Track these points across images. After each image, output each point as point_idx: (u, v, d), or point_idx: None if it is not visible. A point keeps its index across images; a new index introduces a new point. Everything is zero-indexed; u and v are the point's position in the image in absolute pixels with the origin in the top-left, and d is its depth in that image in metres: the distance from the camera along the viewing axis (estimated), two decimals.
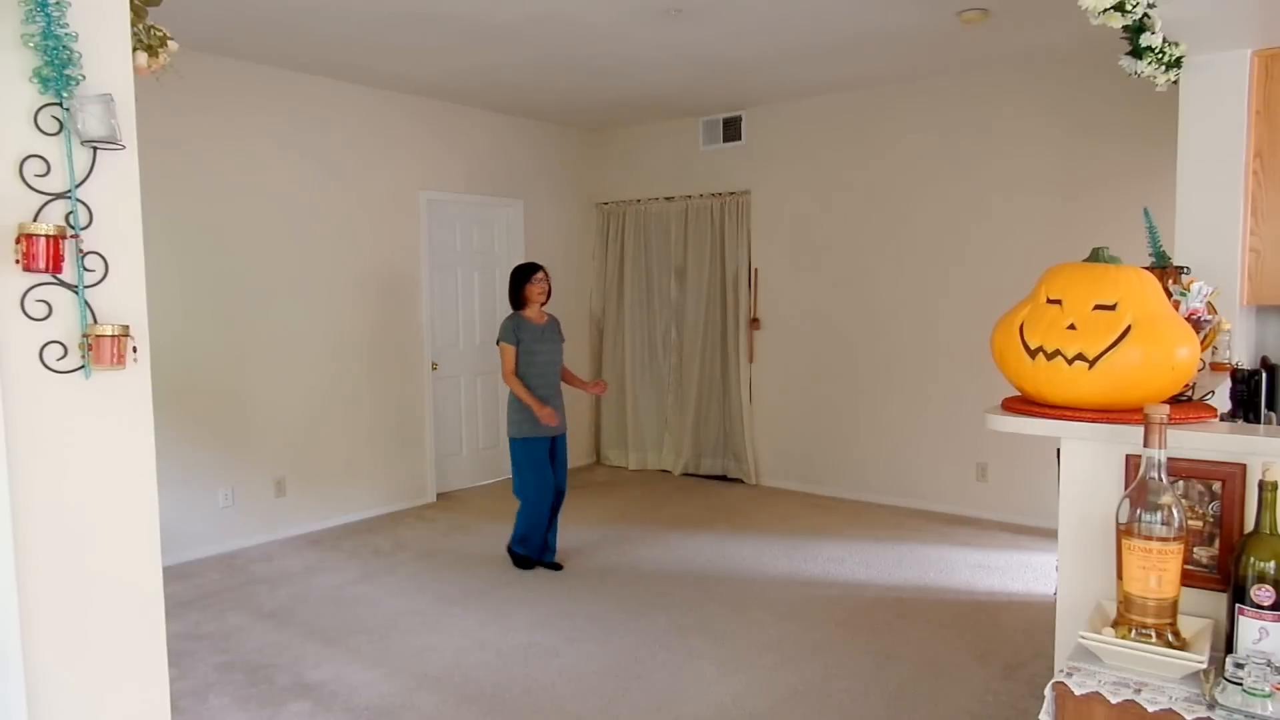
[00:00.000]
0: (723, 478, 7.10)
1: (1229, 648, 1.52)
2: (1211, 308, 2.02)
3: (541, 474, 4.76)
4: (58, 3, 1.57)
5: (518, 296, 4.83)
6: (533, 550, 4.88)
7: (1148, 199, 4.66)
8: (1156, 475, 1.51)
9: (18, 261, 1.56)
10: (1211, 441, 1.64)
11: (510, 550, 4.96)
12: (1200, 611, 1.64)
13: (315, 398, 5.73)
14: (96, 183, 1.68)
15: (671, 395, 7.31)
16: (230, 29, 4.66)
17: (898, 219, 6.10)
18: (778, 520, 5.88)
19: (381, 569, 4.93)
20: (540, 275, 4.84)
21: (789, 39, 4.94)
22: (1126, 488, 1.70)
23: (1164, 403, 1.62)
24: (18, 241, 1.56)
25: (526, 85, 5.94)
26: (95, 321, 1.67)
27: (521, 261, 5.06)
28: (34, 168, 1.60)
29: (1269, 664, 1.41)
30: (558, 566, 4.89)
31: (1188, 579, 1.63)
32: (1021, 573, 4.78)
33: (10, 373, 1.58)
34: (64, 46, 1.58)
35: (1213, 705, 1.39)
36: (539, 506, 4.77)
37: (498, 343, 4.79)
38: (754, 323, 6.83)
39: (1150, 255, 2.52)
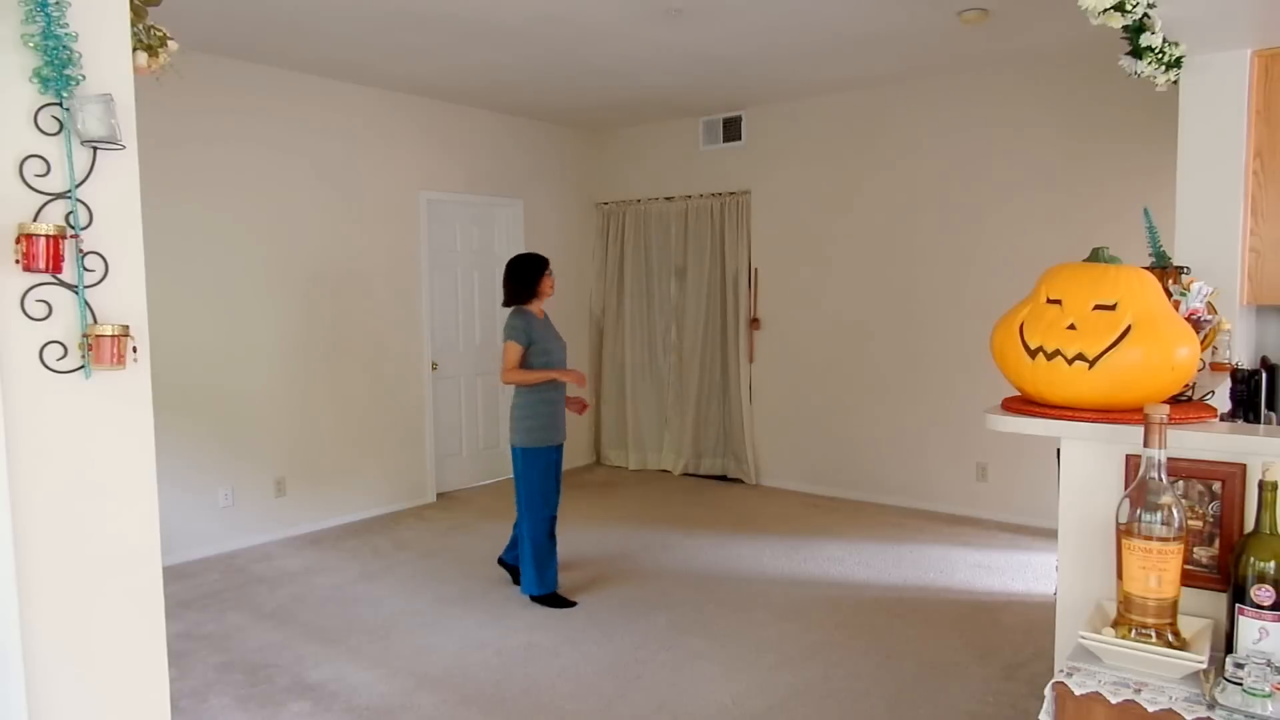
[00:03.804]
0: (723, 478, 7.09)
1: (1229, 648, 1.51)
2: (1211, 308, 2.02)
3: (550, 485, 4.32)
4: (58, 3, 1.57)
5: (531, 289, 4.32)
6: (553, 581, 4.35)
7: (1148, 199, 4.66)
8: (1156, 475, 1.51)
9: (18, 261, 1.56)
10: (1211, 441, 1.64)
11: (536, 597, 4.37)
12: (1200, 611, 1.64)
13: (315, 398, 5.73)
14: (96, 183, 1.68)
15: (671, 395, 7.31)
16: (230, 29, 4.66)
17: (898, 219, 6.10)
18: (778, 520, 5.88)
19: (381, 569, 4.93)
20: (550, 268, 4.42)
21: (789, 39, 4.94)
22: (1126, 488, 1.70)
23: (1164, 403, 1.62)
24: (18, 241, 1.56)
25: (526, 85, 5.94)
26: (95, 321, 1.67)
27: (525, 253, 4.49)
28: (34, 168, 1.60)
29: (1269, 664, 1.41)
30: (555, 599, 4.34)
31: (1188, 579, 1.63)
32: (1021, 573, 4.78)
33: (10, 373, 1.58)
34: (64, 46, 1.58)
35: (1213, 705, 1.39)
36: (547, 523, 4.32)
37: (505, 340, 4.25)
38: (754, 323, 6.83)
39: (1150, 255, 2.52)
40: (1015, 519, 5.71)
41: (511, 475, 4.50)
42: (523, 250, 6.89)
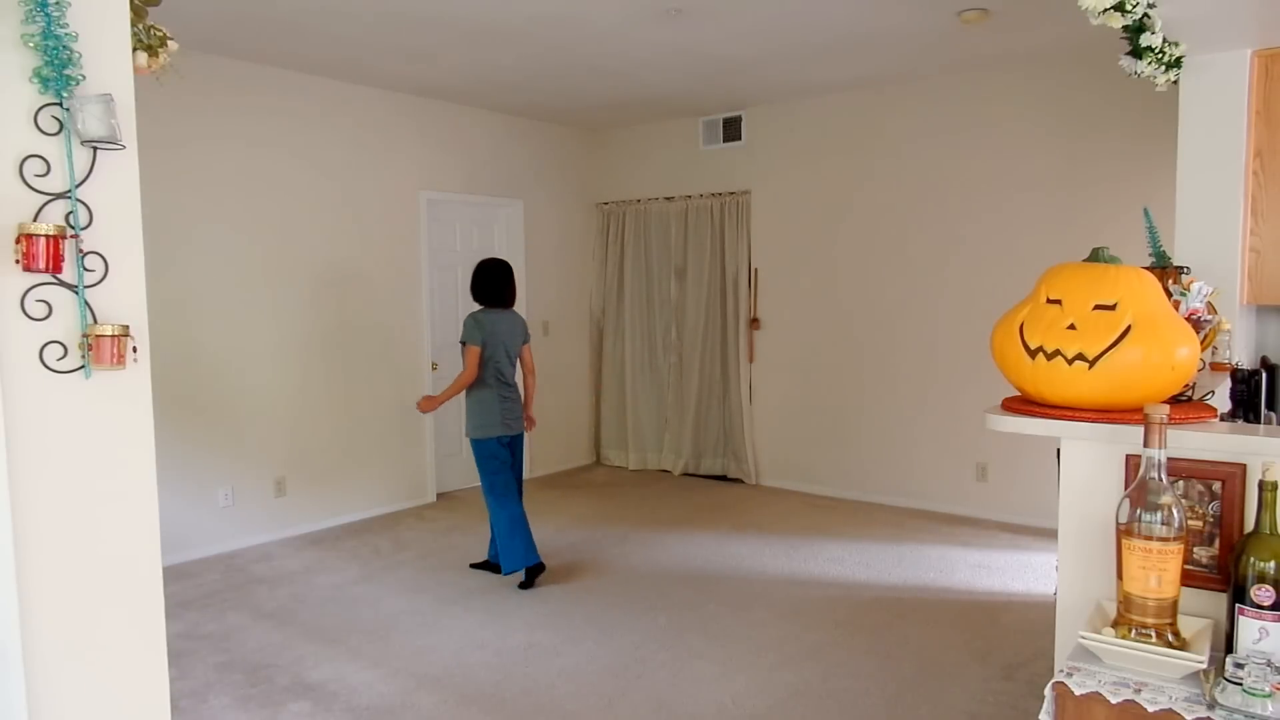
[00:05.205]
0: (723, 478, 7.09)
1: (1229, 648, 1.51)
2: (1211, 308, 2.02)
3: None
4: (58, 3, 1.57)
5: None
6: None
7: (1148, 199, 4.67)
8: (1156, 475, 1.51)
9: (18, 261, 1.56)
10: (1211, 441, 1.64)
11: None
12: (1200, 611, 1.64)
13: (315, 397, 5.73)
14: (96, 183, 1.68)
15: (671, 395, 7.31)
16: (230, 29, 4.66)
17: (898, 219, 6.10)
18: (778, 520, 5.88)
19: (381, 569, 4.93)
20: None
21: (789, 39, 4.94)
22: (1126, 488, 1.70)
23: (1164, 403, 1.62)
24: (18, 241, 1.56)
25: (526, 85, 5.94)
26: (95, 321, 1.67)
27: (502, 258, 4.77)
28: (34, 168, 1.60)
29: (1269, 664, 1.41)
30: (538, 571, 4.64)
31: (1188, 579, 1.63)
32: (1021, 573, 4.78)
33: (10, 373, 1.58)
34: (64, 46, 1.58)
35: (1213, 705, 1.39)
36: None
37: (530, 341, 4.79)
38: (754, 323, 6.83)
39: (1150, 255, 2.52)
40: (1015, 519, 5.72)
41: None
42: (522, 251, 6.94)
